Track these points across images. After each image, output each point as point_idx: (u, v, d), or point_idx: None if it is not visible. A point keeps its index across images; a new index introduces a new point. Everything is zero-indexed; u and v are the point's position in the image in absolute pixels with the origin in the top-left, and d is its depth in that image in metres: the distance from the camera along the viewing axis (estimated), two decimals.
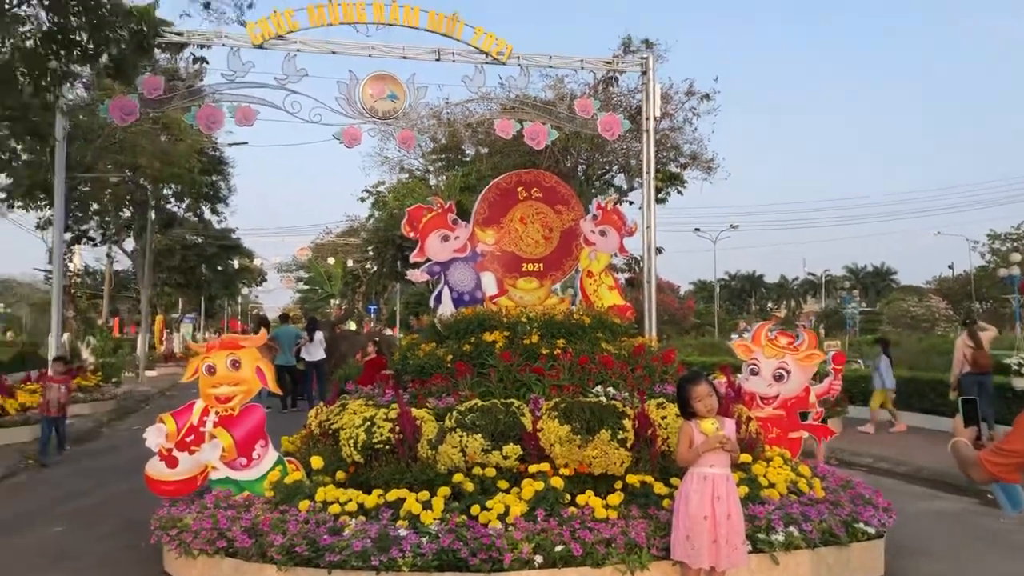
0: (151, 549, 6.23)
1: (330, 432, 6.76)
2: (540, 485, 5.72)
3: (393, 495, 5.77)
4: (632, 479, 5.97)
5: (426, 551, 5.12)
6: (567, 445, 5.87)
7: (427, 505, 5.59)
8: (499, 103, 16.94)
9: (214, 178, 29.11)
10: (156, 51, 12.62)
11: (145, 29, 11.21)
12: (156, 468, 6.55)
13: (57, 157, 14.44)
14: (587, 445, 5.86)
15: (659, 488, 5.90)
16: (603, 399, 6.50)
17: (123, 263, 35.73)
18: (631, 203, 23.56)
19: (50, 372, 12.15)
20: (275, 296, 69.18)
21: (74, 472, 10.80)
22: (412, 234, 9.35)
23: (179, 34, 13.68)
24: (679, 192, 25.92)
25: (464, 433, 5.99)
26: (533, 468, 5.89)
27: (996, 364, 12.93)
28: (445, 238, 9.24)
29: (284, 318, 20.70)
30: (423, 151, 29.16)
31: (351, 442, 6.26)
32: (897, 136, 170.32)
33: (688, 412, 5.11)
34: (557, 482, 5.78)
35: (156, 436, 6.55)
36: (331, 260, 45.86)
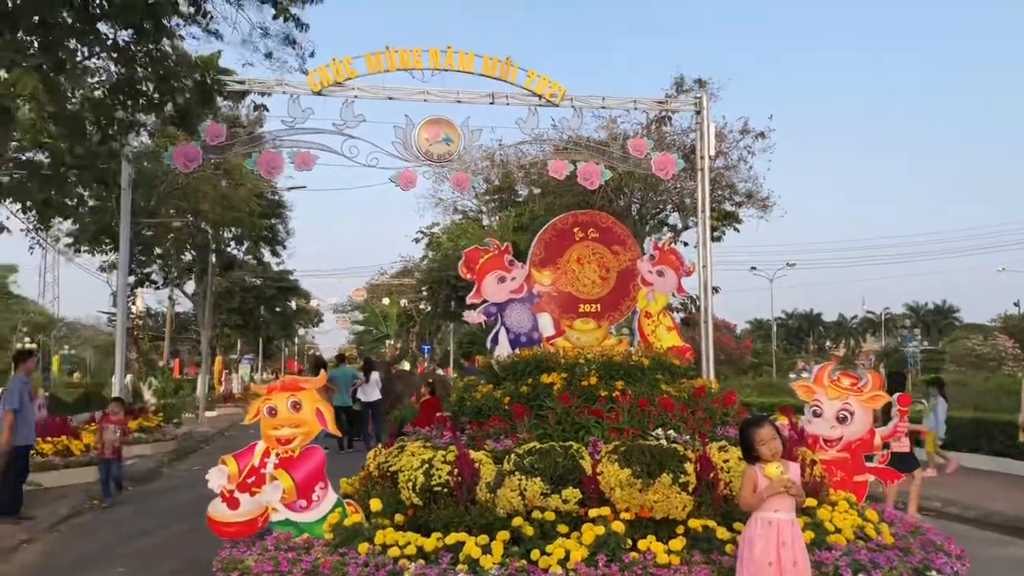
0: None
1: (388, 474, 6.76)
2: (601, 530, 5.64)
3: (452, 539, 5.73)
4: (694, 524, 5.85)
5: None
6: (628, 489, 5.78)
7: (486, 549, 5.54)
8: (552, 144, 17.05)
9: (272, 221, 29.70)
10: (218, 99, 12.96)
11: (209, 79, 11.53)
12: (218, 509, 6.60)
13: (122, 203, 14.89)
14: (648, 489, 5.76)
15: (722, 533, 5.78)
16: (664, 442, 6.41)
17: (183, 305, 36.52)
18: (685, 244, 23.39)
19: (107, 413, 12.29)
20: (331, 337, 70.14)
21: (136, 512, 10.96)
22: (469, 275, 9.39)
23: (241, 82, 14.09)
24: (735, 229, 25.70)
25: (523, 476, 5.94)
26: (593, 512, 5.81)
27: None
28: (502, 279, 9.27)
29: (341, 359, 20.90)
30: (476, 192, 29.43)
31: (410, 484, 6.25)
32: (957, 170, 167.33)
33: (752, 456, 5.00)
34: (618, 527, 5.69)
35: (218, 477, 6.61)
36: (386, 300, 46.30)
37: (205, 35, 11.06)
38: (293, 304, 41.55)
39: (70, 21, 9.62)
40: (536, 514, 5.85)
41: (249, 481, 6.67)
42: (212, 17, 10.66)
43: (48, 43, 9.10)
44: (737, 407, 7.61)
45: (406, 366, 38.69)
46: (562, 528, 5.77)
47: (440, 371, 41.75)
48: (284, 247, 32.21)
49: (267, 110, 14.43)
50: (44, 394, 16.06)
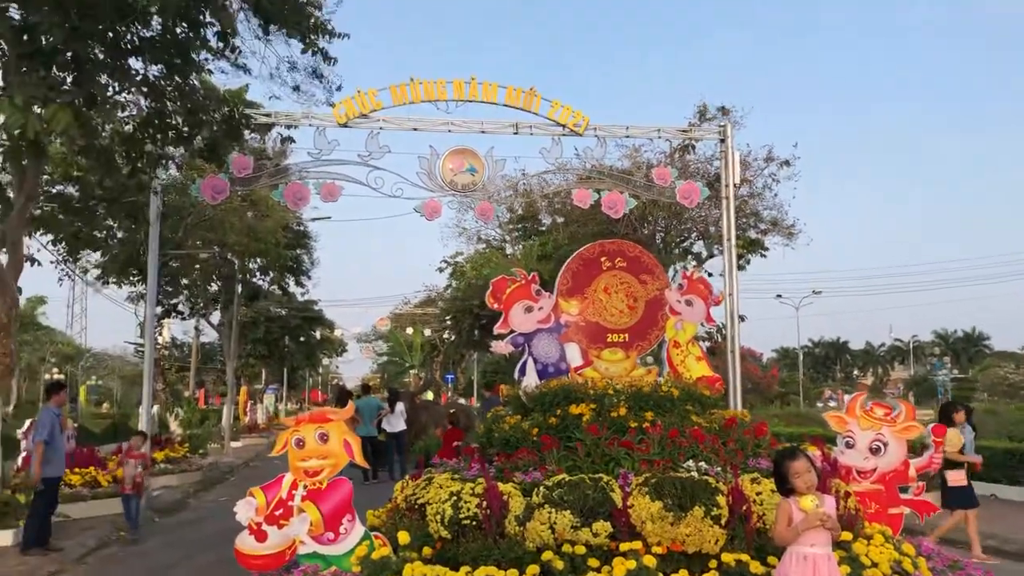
0: None
1: (416, 506, 6.72)
2: (632, 564, 5.55)
3: (481, 572, 5.66)
4: (727, 558, 5.74)
5: None
6: (659, 522, 5.70)
7: None
8: (575, 173, 17.08)
9: (298, 252, 29.87)
10: (246, 132, 13.12)
11: (237, 112, 11.68)
12: (246, 542, 6.58)
13: (151, 236, 15.03)
14: (680, 522, 5.68)
15: (755, 567, 5.66)
16: (695, 474, 6.33)
17: (209, 335, 36.72)
18: (710, 274, 23.28)
19: (129, 447, 12.14)
20: (354, 366, 70.18)
21: (163, 544, 10.94)
22: (496, 305, 9.37)
23: (267, 115, 14.26)
24: (762, 256, 25.54)
25: (552, 509, 5.88)
26: (624, 546, 5.73)
27: None
28: (529, 309, 9.25)
29: (366, 389, 20.92)
30: (500, 221, 29.48)
31: (438, 517, 6.20)
32: (986, 196, 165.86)
33: (786, 488, 4.91)
34: (650, 561, 5.60)
35: (246, 510, 6.59)
36: (409, 330, 46.35)
37: (233, 69, 11.21)
38: (317, 334, 41.65)
39: (101, 57, 9.79)
40: (566, 548, 5.78)
41: (277, 513, 6.64)
42: (240, 52, 10.81)
43: (80, 79, 9.25)
44: (769, 438, 7.53)
45: (430, 396, 38.66)
46: (593, 562, 5.69)
47: (463, 401, 41.70)
48: (309, 277, 32.37)
49: (293, 142, 14.59)
50: (73, 425, 16.15)
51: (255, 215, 21.42)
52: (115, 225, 16.75)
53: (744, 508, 5.95)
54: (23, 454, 13.64)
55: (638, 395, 7.48)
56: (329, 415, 6.99)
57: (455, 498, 6.24)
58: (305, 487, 6.69)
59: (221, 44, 10.40)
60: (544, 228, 27.88)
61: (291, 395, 63.62)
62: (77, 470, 13.34)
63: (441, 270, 36.32)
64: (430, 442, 17.95)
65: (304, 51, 10.68)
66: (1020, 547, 10.17)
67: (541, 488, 6.17)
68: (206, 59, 10.70)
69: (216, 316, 30.09)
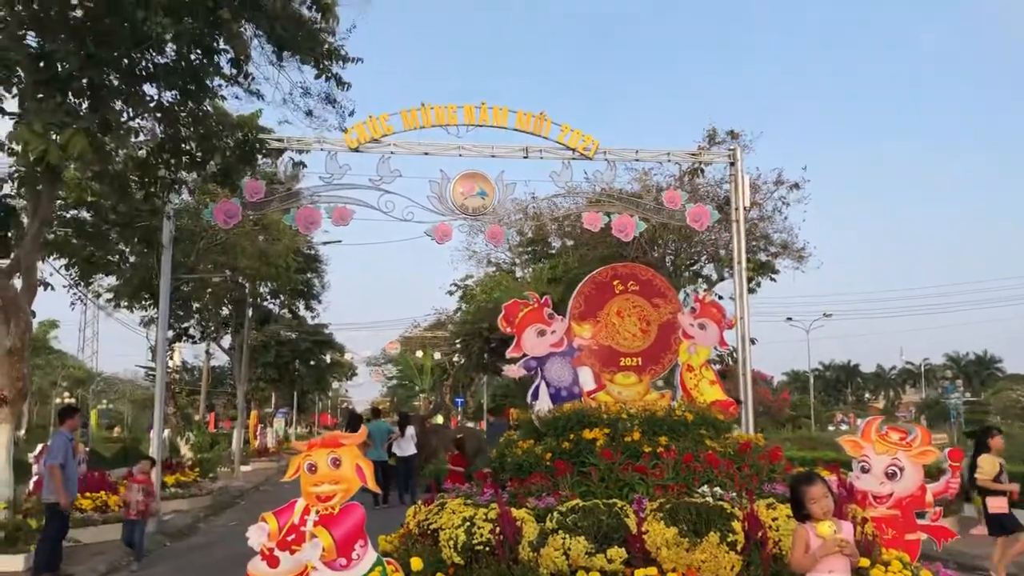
0: None
1: (429, 532, 6.68)
2: None
3: None
4: None
5: None
6: (674, 548, 5.65)
7: None
8: (585, 196, 17.12)
9: (308, 275, 29.96)
10: (258, 157, 13.22)
11: (250, 137, 11.76)
12: (258, 568, 6.52)
13: (163, 260, 15.09)
14: (695, 548, 5.64)
15: None
16: (710, 499, 6.28)
17: (219, 359, 36.76)
18: (720, 297, 23.21)
19: (129, 471, 11.95)
20: (364, 390, 70.10)
21: (174, 569, 10.91)
22: (509, 329, 9.35)
23: (279, 140, 14.37)
24: (772, 279, 25.47)
25: (567, 535, 5.84)
26: (639, 572, 5.68)
27: None
28: (541, 333, 9.22)
29: (376, 413, 20.86)
30: (510, 244, 29.53)
31: (451, 543, 6.17)
32: (995, 218, 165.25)
33: (802, 514, 4.86)
34: None
35: (258, 535, 6.54)
36: (419, 353, 46.32)
37: (247, 95, 11.30)
38: (328, 357, 41.67)
39: (116, 83, 9.90)
40: (580, 574, 5.74)
41: (289, 539, 6.59)
42: (254, 78, 10.90)
43: (95, 105, 9.35)
44: (783, 463, 7.48)
45: (440, 420, 38.57)
46: None
47: (471, 424, 41.58)
48: (319, 302, 32.45)
49: (305, 166, 14.69)
50: (85, 449, 16.15)
51: (266, 239, 21.51)
52: (127, 249, 16.83)
53: (760, 534, 5.90)
54: (34, 478, 13.64)
55: (652, 419, 7.45)
56: (341, 440, 6.95)
57: (468, 524, 6.21)
58: (317, 512, 6.64)
59: (235, 70, 10.50)
60: (554, 251, 27.92)
61: (301, 419, 63.56)
62: (88, 494, 13.32)
63: (451, 293, 36.34)
64: (440, 466, 17.91)
65: (318, 76, 10.77)
66: None
67: (555, 513, 6.13)
68: (220, 85, 10.80)
69: (227, 340, 30.16)
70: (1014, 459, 15.78)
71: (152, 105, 10.49)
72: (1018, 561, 9.76)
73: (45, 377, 48.33)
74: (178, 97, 10.51)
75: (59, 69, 8.99)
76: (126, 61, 9.62)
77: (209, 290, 23.85)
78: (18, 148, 9.09)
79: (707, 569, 5.66)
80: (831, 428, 53.00)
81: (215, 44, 10.00)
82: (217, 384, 45.40)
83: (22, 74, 9.25)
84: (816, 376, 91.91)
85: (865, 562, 6.09)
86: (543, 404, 8.86)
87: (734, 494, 6.55)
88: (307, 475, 6.73)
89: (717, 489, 6.60)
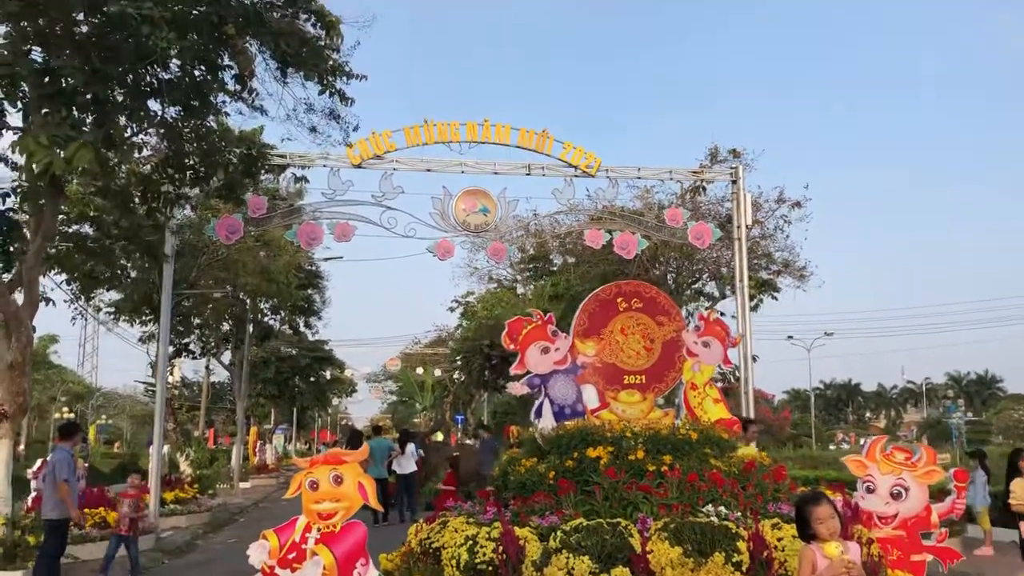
0: None
1: (431, 551, 6.63)
2: None
3: None
4: None
5: None
6: (679, 568, 5.62)
7: None
8: (587, 214, 17.14)
9: (309, 292, 29.94)
10: (261, 172, 13.23)
11: (255, 152, 11.77)
12: None
13: (165, 275, 15.08)
14: (700, 568, 5.60)
15: None
16: (715, 519, 6.24)
17: (219, 375, 36.70)
18: (722, 313, 23.16)
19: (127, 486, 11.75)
20: (363, 407, 69.86)
21: None
22: (512, 346, 9.30)
23: (282, 156, 14.39)
24: (773, 298, 25.44)
25: (570, 554, 5.80)
26: None
27: None
28: (545, 350, 9.18)
29: (377, 430, 20.81)
30: (511, 261, 29.54)
31: (453, 562, 6.13)
32: (997, 239, 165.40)
33: (808, 534, 4.81)
34: None
35: (259, 552, 6.49)
36: (420, 370, 46.26)
37: (250, 111, 11.31)
38: (328, 374, 41.60)
39: (121, 99, 9.90)
40: None
41: (290, 557, 6.53)
42: (258, 94, 10.91)
43: (100, 120, 9.35)
44: (788, 482, 7.42)
45: (439, 437, 38.48)
46: None
47: (470, 442, 41.48)
48: (319, 318, 32.43)
49: (307, 182, 14.72)
50: (84, 465, 16.09)
51: (268, 255, 21.52)
52: (129, 264, 16.82)
53: (765, 554, 5.86)
54: (33, 494, 13.56)
55: (656, 438, 7.40)
56: (344, 457, 6.91)
57: (471, 543, 6.17)
58: (319, 530, 6.59)
59: (239, 86, 10.52)
60: (555, 268, 27.92)
61: (300, 435, 63.37)
62: (87, 511, 13.21)
63: (452, 310, 36.35)
64: (439, 484, 17.88)
65: (321, 92, 10.78)
66: None
67: (558, 533, 6.09)
68: (224, 101, 10.81)
69: (227, 356, 30.12)
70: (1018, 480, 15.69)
71: (156, 121, 10.50)
72: None
73: (44, 392, 48.25)
74: (182, 113, 10.52)
75: (64, 84, 9.00)
76: (131, 77, 9.63)
77: (210, 306, 23.84)
78: (21, 160, 9.09)
79: None
80: (832, 447, 52.84)
81: (219, 60, 10.02)
82: (217, 400, 45.29)
83: (27, 88, 9.27)
84: (817, 395, 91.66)
85: None
86: (547, 422, 8.80)
87: (739, 514, 6.51)
88: (309, 492, 6.68)
89: (722, 509, 6.55)
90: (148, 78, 9.88)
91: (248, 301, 25.68)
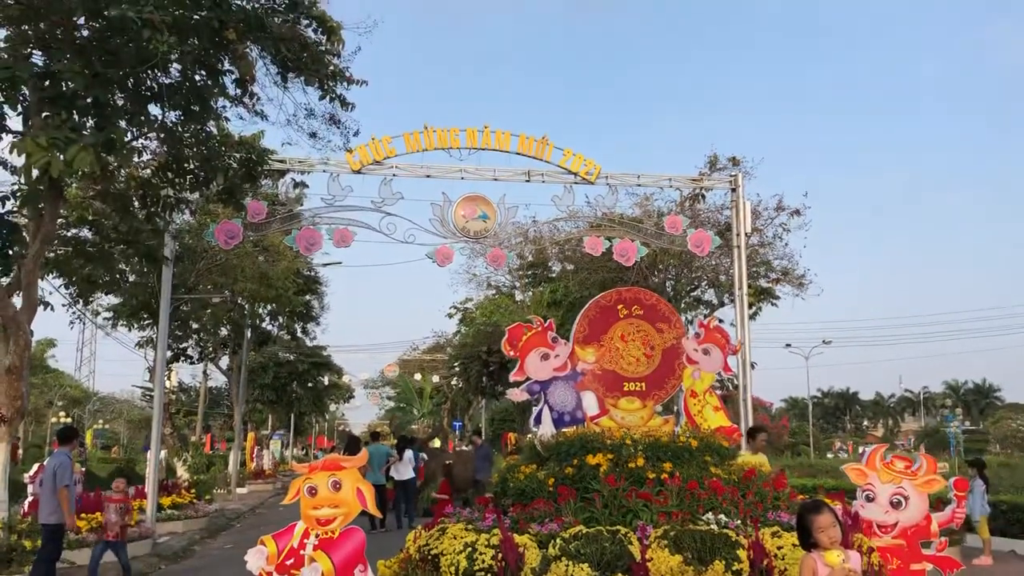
0: None
1: (429, 557, 6.60)
2: None
3: None
4: None
5: None
6: None
7: None
8: (587, 221, 17.14)
9: (308, 297, 29.92)
10: (262, 175, 13.22)
11: (255, 157, 11.77)
12: None
13: (163, 279, 15.06)
14: None
15: None
16: (715, 527, 6.22)
17: (216, 380, 36.66)
18: (721, 321, 23.16)
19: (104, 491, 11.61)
20: (361, 413, 69.76)
21: None
22: (512, 352, 9.27)
23: (282, 161, 14.38)
24: (773, 304, 25.45)
25: (570, 562, 5.77)
26: None
27: None
28: (545, 356, 9.14)
29: (375, 436, 20.75)
30: (510, 267, 29.57)
31: (452, 569, 6.10)
32: (995, 248, 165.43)
33: (809, 543, 4.79)
34: None
35: (257, 558, 6.46)
36: (418, 376, 46.23)
37: (250, 116, 11.30)
38: (325, 379, 41.56)
39: (121, 103, 9.90)
40: None
41: (288, 563, 6.50)
42: (258, 98, 10.90)
43: (100, 123, 9.34)
44: (788, 491, 7.40)
45: (437, 443, 38.41)
46: None
47: (466, 448, 41.41)
48: (318, 324, 32.41)
49: (307, 187, 14.71)
50: (81, 470, 16.03)
51: (266, 260, 21.49)
52: (127, 268, 16.80)
53: (765, 562, 5.84)
54: (29, 499, 13.51)
55: (656, 445, 7.38)
56: (342, 463, 6.88)
57: (470, 549, 6.14)
58: (317, 536, 6.57)
59: (239, 91, 10.51)
60: (554, 275, 27.94)
61: (297, 441, 63.25)
62: (84, 515, 13.18)
63: (451, 316, 36.39)
64: (437, 490, 17.88)
65: (322, 98, 10.76)
66: None
67: (558, 540, 6.06)
68: (224, 106, 10.80)
69: (225, 361, 30.08)
70: (1016, 489, 15.68)
71: (156, 125, 10.49)
72: None
73: (42, 396, 48.17)
74: (182, 117, 10.51)
75: (64, 88, 8.99)
76: (131, 81, 9.62)
77: (208, 310, 23.81)
78: (20, 162, 9.07)
79: None
80: (830, 455, 52.81)
81: (220, 65, 10.01)
82: (214, 405, 45.21)
83: (27, 92, 9.26)
84: (815, 403, 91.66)
85: None
86: (546, 429, 8.77)
87: (739, 522, 6.48)
88: (307, 498, 6.66)
89: (722, 517, 6.53)
90: (148, 82, 9.87)
91: (246, 306, 25.64)
